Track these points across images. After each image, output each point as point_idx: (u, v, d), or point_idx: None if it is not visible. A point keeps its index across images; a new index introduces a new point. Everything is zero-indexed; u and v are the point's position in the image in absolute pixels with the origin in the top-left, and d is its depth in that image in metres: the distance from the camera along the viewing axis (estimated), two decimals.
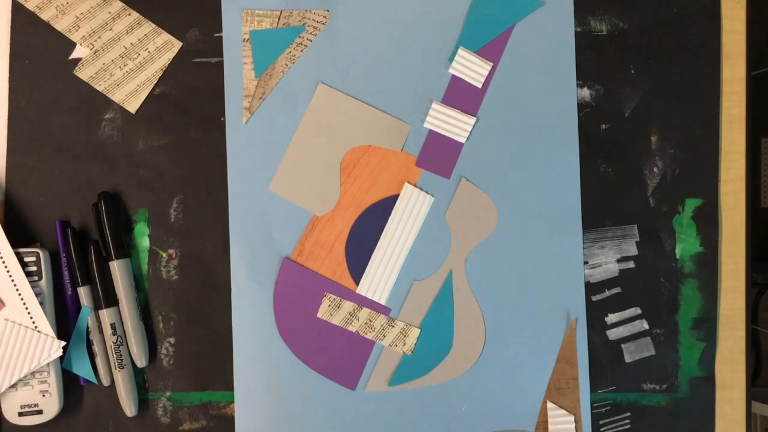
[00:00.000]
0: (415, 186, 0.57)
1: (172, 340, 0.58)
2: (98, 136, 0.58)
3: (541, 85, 0.57)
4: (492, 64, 0.57)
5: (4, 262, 0.54)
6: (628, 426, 0.57)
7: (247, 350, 0.57)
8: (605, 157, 0.57)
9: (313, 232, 0.57)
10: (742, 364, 0.58)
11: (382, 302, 0.57)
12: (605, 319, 0.58)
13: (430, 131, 0.57)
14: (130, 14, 0.57)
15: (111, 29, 0.57)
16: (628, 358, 0.57)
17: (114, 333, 0.56)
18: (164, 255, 0.58)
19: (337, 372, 0.57)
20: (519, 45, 0.57)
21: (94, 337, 0.56)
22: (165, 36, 0.57)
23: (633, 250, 0.57)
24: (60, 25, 0.57)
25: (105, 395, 0.57)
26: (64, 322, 0.56)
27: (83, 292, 0.56)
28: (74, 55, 0.57)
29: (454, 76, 0.57)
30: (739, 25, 0.57)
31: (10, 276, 0.54)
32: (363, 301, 0.57)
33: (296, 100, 0.57)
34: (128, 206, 0.58)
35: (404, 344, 0.57)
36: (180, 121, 0.58)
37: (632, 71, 0.57)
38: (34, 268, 0.55)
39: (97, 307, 0.56)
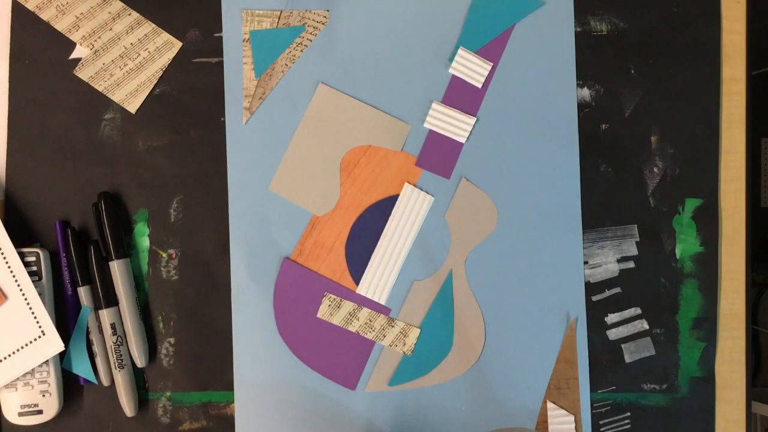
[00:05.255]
0: (415, 186, 0.57)
1: (172, 340, 0.58)
2: (98, 136, 0.58)
3: (541, 85, 0.57)
4: (492, 64, 0.57)
5: (5, 258, 0.54)
6: (628, 426, 0.57)
7: (247, 350, 0.57)
8: (605, 157, 0.57)
9: (313, 232, 0.57)
10: (742, 364, 0.58)
11: (382, 302, 0.57)
12: (605, 319, 0.58)
13: (430, 131, 0.57)
14: (130, 14, 0.57)
15: (111, 29, 0.57)
16: (628, 358, 0.57)
17: (114, 333, 0.56)
18: (164, 255, 0.58)
19: (337, 372, 0.57)
20: (519, 45, 0.57)
21: (94, 337, 0.56)
22: (165, 36, 0.57)
23: (633, 250, 0.57)
24: (60, 25, 0.57)
25: (105, 395, 0.57)
26: (64, 322, 0.56)
27: (83, 292, 0.56)
28: (74, 55, 0.57)
29: (454, 76, 0.57)
30: (739, 25, 0.57)
31: (12, 272, 0.54)
32: (363, 301, 0.57)
33: (296, 100, 0.57)
34: (128, 206, 0.58)
35: (404, 344, 0.57)
36: (180, 121, 0.58)
37: (632, 71, 0.57)
38: (34, 268, 0.55)
39: (97, 307, 0.56)
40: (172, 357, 0.58)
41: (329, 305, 0.57)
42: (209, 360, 0.58)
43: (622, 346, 0.57)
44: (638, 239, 0.57)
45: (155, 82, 0.57)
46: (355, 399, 0.57)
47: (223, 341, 0.57)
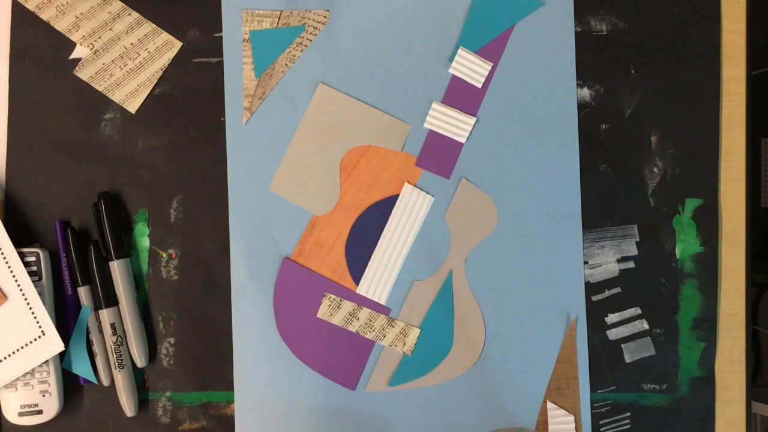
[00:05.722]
0: (415, 186, 0.57)
1: (172, 340, 0.58)
2: (98, 136, 0.58)
3: (541, 85, 0.57)
4: (492, 64, 0.57)
5: (5, 258, 0.54)
6: (628, 426, 0.57)
7: (247, 350, 0.57)
8: (605, 157, 0.57)
9: (313, 232, 0.57)
10: (742, 364, 0.58)
11: (382, 302, 0.57)
12: (605, 319, 0.58)
13: (430, 131, 0.57)
14: (130, 14, 0.57)
15: (111, 29, 0.57)
16: (628, 358, 0.57)
17: (114, 333, 0.56)
18: (164, 255, 0.58)
19: (337, 372, 0.57)
20: (519, 45, 0.57)
21: (94, 337, 0.56)
22: (165, 36, 0.57)
23: (633, 250, 0.57)
24: (60, 25, 0.57)
25: (105, 395, 0.57)
26: (64, 322, 0.56)
27: (83, 292, 0.56)
28: (74, 55, 0.57)
29: (454, 76, 0.57)
30: (739, 25, 0.57)
31: (12, 272, 0.54)
32: (363, 301, 0.57)
33: (296, 100, 0.57)
34: (128, 206, 0.58)
35: (404, 344, 0.57)
36: (180, 121, 0.58)
37: (632, 71, 0.57)
38: (34, 268, 0.55)
39: (97, 307, 0.56)
40: (172, 357, 0.58)
41: (329, 305, 0.57)
42: (209, 360, 0.58)
43: (622, 346, 0.57)
44: (638, 239, 0.57)
45: (155, 82, 0.57)
46: (355, 399, 0.57)
47: (223, 341, 0.57)
